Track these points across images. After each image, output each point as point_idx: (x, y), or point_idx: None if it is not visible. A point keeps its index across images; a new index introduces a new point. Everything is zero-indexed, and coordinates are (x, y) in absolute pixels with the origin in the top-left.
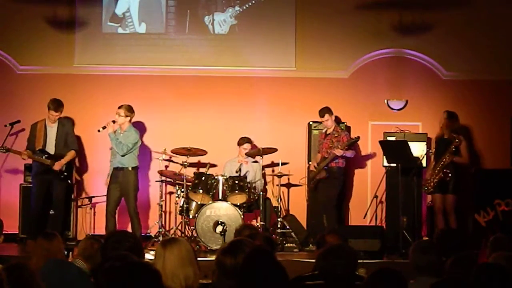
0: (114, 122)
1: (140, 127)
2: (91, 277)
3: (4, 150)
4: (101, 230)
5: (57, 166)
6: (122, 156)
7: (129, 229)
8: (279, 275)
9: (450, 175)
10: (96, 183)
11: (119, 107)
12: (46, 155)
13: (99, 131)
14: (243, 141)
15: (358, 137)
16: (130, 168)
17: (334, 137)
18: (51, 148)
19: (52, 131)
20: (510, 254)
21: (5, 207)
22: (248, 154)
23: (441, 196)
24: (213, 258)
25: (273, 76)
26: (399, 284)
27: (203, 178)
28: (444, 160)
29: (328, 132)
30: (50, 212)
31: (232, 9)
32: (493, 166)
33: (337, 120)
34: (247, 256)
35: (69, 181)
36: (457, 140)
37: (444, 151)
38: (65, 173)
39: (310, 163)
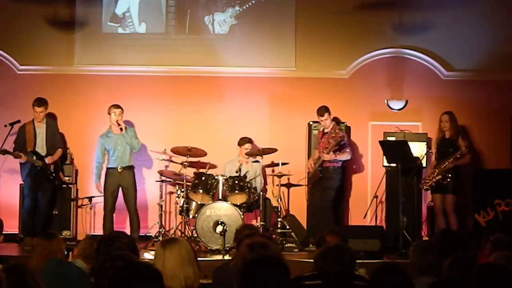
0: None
1: (140, 127)
2: (91, 277)
3: (3, 153)
4: (101, 230)
5: (49, 159)
6: (137, 150)
7: (127, 228)
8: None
9: (449, 179)
10: None
11: (117, 107)
12: (37, 157)
13: (121, 129)
14: (244, 141)
15: (343, 135)
16: (131, 167)
17: (331, 137)
18: (41, 149)
19: (41, 132)
20: (510, 254)
21: (5, 207)
22: (248, 154)
23: (441, 196)
24: (213, 258)
25: (273, 76)
26: (404, 279)
27: (203, 178)
28: (446, 164)
29: (326, 131)
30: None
31: (232, 9)
32: (493, 166)
33: (336, 120)
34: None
35: (56, 182)
36: (464, 148)
37: (446, 151)
38: (54, 174)
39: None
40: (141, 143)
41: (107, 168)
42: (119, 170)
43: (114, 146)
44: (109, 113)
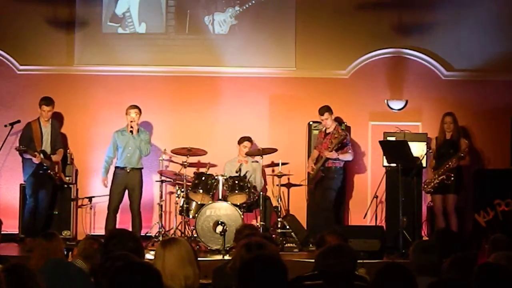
0: (131, 122)
1: (140, 127)
2: (91, 277)
3: (23, 150)
4: (101, 230)
5: (56, 158)
6: (145, 156)
7: (129, 229)
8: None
9: (452, 178)
10: (96, 183)
11: (133, 107)
12: (45, 156)
13: (132, 133)
14: (243, 139)
15: (345, 134)
16: (139, 168)
17: (334, 137)
18: (46, 148)
19: (46, 131)
20: (510, 254)
21: (5, 207)
22: (248, 154)
23: (441, 197)
24: (213, 258)
25: (273, 76)
26: (407, 279)
27: (203, 178)
28: (450, 163)
29: (328, 132)
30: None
31: (232, 9)
32: (493, 166)
33: (339, 120)
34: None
35: (58, 182)
36: (466, 148)
37: (447, 152)
38: (57, 174)
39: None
40: (150, 149)
41: (116, 167)
42: (128, 171)
43: (124, 146)
44: (125, 113)
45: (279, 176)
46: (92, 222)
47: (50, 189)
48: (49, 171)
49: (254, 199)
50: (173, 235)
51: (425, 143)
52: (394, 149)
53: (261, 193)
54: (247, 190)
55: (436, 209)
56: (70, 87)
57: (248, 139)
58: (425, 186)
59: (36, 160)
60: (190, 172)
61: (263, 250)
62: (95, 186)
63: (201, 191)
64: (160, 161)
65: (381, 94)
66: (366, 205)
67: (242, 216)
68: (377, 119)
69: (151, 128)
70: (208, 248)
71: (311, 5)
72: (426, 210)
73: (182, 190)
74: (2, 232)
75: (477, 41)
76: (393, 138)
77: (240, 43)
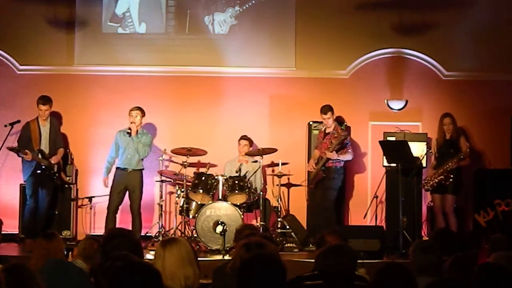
0: (131, 123)
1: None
2: (91, 277)
3: (16, 150)
4: (101, 230)
5: (55, 159)
6: (142, 158)
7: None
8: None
9: (451, 180)
10: (96, 183)
11: (135, 109)
12: (42, 156)
13: (130, 134)
14: (240, 138)
15: (346, 134)
16: (139, 170)
17: (334, 137)
18: (45, 148)
19: (45, 130)
20: (510, 254)
21: (5, 207)
22: (248, 154)
23: (440, 196)
24: (213, 258)
25: (273, 76)
26: (407, 279)
27: (203, 178)
28: (450, 164)
29: (327, 131)
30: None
31: (232, 9)
32: (493, 166)
33: (340, 120)
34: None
35: (58, 182)
36: (468, 150)
37: (447, 152)
38: (57, 174)
39: (308, 163)
40: (149, 152)
41: (116, 168)
42: (128, 172)
43: (125, 146)
44: (128, 114)
45: (279, 176)
46: (92, 222)
47: (50, 189)
48: (47, 172)
49: (254, 199)
50: (173, 235)
51: (425, 143)
52: (394, 149)
53: (261, 193)
54: (247, 190)
55: (435, 208)
56: (70, 87)
57: (244, 137)
58: (424, 184)
59: (27, 158)
60: (190, 172)
61: (262, 250)
62: (95, 186)
63: (201, 191)
64: (160, 161)
65: (381, 94)
66: (366, 205)
67: (242, 216)
68: (377, 119)
69: (151, 128)
70: (208, 248)
71: (311, 5)
72: (426, 210)
73: (182, 190)
74: (2, 232)
75: (477, 41)
76: (393, 138)
77: (240, 43)
